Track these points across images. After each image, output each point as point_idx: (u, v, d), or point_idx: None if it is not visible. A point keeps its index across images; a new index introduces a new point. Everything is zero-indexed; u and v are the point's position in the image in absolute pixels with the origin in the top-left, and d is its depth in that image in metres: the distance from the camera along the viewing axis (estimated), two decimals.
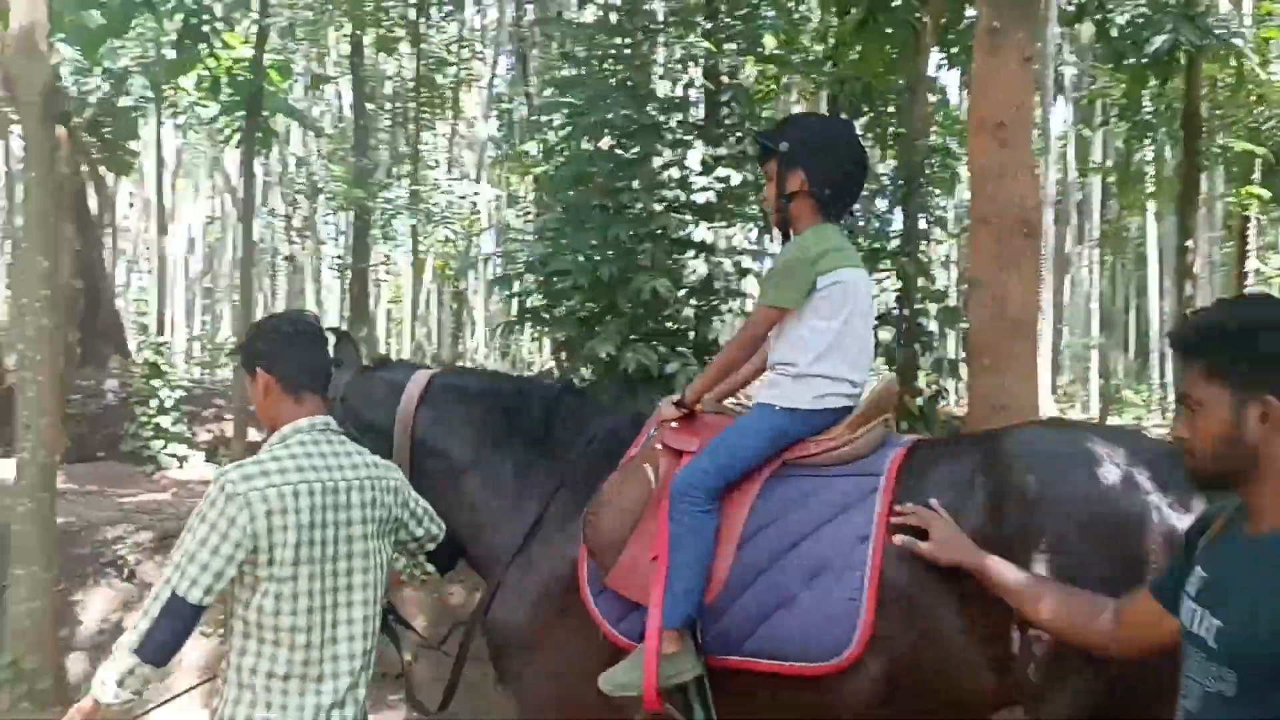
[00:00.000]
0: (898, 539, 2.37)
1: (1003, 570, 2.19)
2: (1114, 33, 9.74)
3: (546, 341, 9.66)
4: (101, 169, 14.01)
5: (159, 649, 2.16)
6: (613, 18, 7.87)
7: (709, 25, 8.12)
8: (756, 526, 2.53)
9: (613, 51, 7.68)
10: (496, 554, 2.82)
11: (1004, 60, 4.66)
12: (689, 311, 6.90)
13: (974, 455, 2.49)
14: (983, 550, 2.25)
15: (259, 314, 12.51)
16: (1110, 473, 2.30)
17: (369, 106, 16.32)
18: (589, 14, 9.19)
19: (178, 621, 2.17)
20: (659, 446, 2.68)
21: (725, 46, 8.14)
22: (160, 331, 16.42)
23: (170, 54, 10.57)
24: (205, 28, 7.44)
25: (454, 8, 14.79)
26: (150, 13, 8.39)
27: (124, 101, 13.59)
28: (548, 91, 10.73)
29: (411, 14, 14.38)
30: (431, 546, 2.69)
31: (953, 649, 2.34)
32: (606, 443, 2.83)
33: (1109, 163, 21.20)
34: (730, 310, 7.33)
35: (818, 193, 2.69)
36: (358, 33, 15.20)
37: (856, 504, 2.47)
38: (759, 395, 2.72)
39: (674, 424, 2.71)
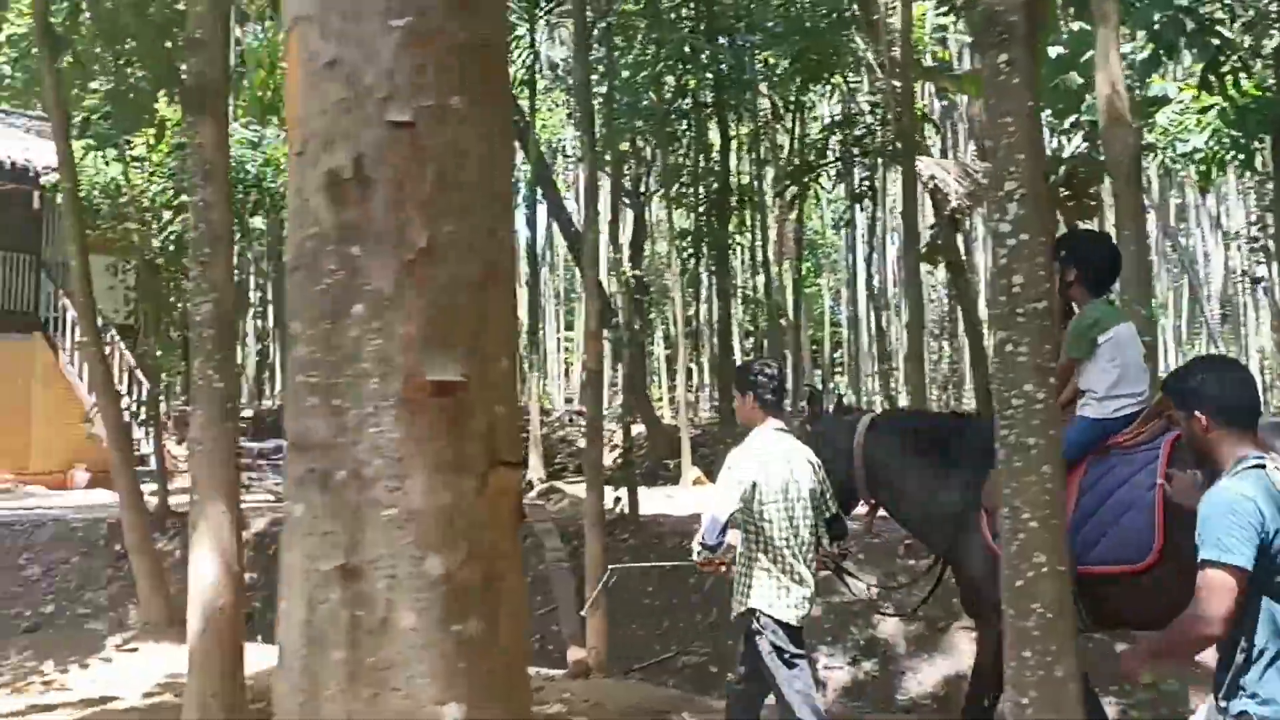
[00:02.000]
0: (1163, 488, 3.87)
1: None
2: None
3: None
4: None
5: (710, 535, 4.40)
6: None
7: None
8: (1086, 488, 4.03)
9: None
10: (937, 523, 4.62)
11: None
12: None
13: None
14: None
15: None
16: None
17: None
18: None
19: (716, 528, 4.39)
20: None
21: None
22: None
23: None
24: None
25: None
26: (1174, 58, 8.73)
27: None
28: None
29: None
30: (828, 515, 4.61)
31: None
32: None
33: None
34: None
35: (1088, 283, 4.33)
36: None
37: (1145, 468, 3.96)
38: (1078, 411, 4.26)
39: None
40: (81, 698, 7.18)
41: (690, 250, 18.38)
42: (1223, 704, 2.94)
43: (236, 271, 25.03)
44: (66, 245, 8.99)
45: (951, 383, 24.25)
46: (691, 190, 18.55)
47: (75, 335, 17.55)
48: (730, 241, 17.84)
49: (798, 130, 17.91)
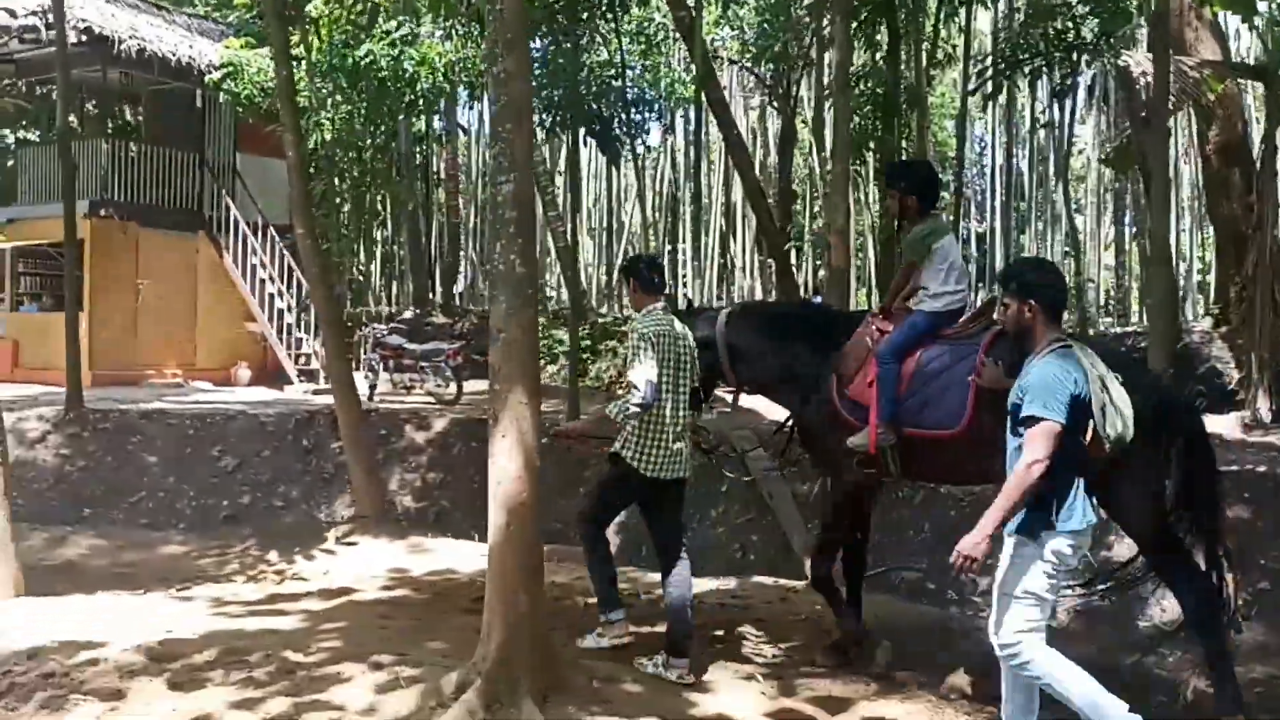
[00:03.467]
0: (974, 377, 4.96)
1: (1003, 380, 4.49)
2: None
3: None
4: None
5: (650, 395, 4.97)
6: None
7: None
8: (919, 369, 5.16)
9: None
10: (794, 388, 5.68)
11: None
12: None
13: None
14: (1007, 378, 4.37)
15: None
16: None
17: None
18: None
19: (653, 389, 4.99)
20: (874, 328, 5.41)
21: None
22: None
23: None
24: None
25: None
26: None
27: None
28: None
29: None
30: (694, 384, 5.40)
31: (1001, 426, 4.23)
32: (847, 329, 5.54)
33: None
34: None
35: (921, 203, 5.48)
36: None
37: (967, 358, 5.02)
38: (916, 306, 5.42)
39: (880, 318, 5.49)
40: (320, 588, 7.18)
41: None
42: (1031, 535, 3.94)
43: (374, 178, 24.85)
44: (285, 135, 8.74)
45: (1114, 300, 23.01)
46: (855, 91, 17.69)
47: (238, 233, 17.72)
48: (898, 146, 17.01)
49: (986, 25, 16.75)
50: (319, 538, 8.57)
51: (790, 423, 5.88)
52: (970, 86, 15.22)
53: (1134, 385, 4.15)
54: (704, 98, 16.17)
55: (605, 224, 27.98)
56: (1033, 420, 3.78)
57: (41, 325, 16.93)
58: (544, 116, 14.90)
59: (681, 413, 5.22)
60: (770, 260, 18.45)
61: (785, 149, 22.07)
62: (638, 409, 4.96)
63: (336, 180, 18.88)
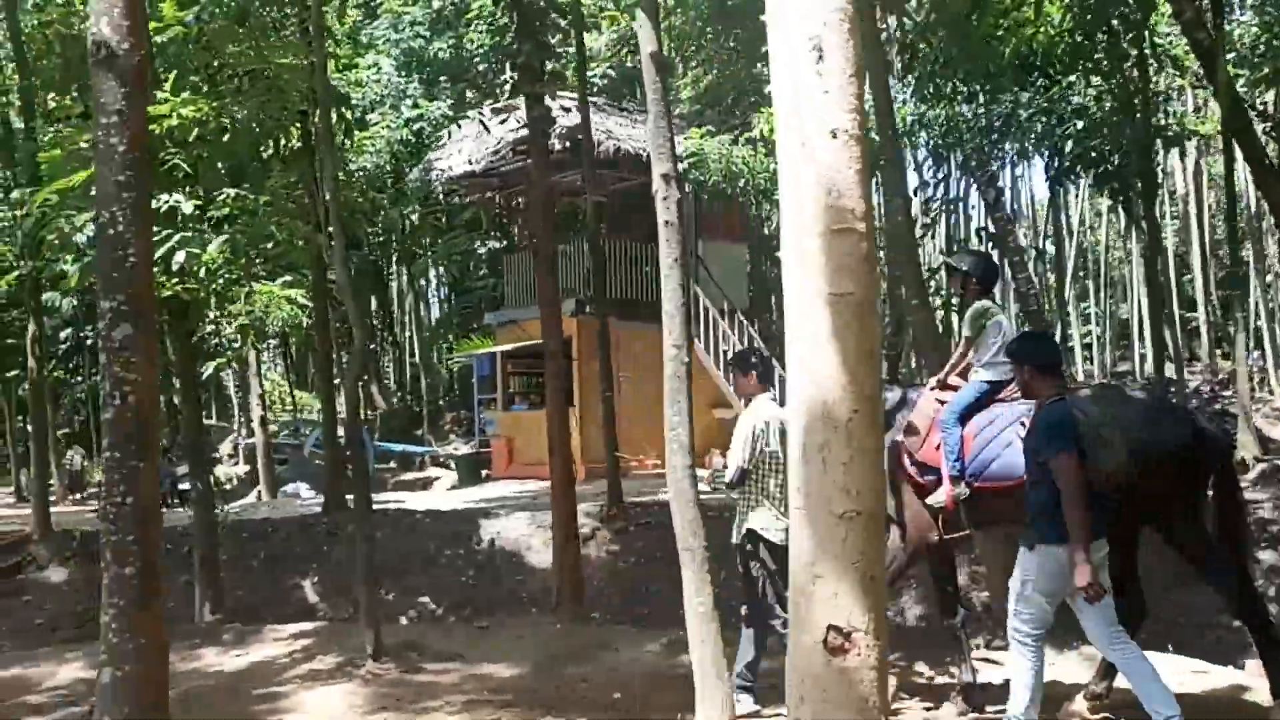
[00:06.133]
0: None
1: None
2: None
3: None
4: None
5: (736, 479, 6.16)
6: None
7: None
8: (979, 429, 5.88)
9: None
10: None
11: None
12: None
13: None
14: None
15: None
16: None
17: None
18: None
19: (740, 474, 6.13)
20: (934, 400, 6.24)
21: None
22: None
23: None
24: None
25: None
26: None
27: None
28: None
29: None
30: None
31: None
32: (910, 400, 6.38)
33: None
34: None
35: (981, 288, 6.33)
36: None
37: (1022, 416, 5.58)
38: (973, 376, 6.19)
39: (939, 389, 6.33)
40: None
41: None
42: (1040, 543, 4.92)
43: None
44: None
45: None
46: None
47: (706, 319, 17.62)
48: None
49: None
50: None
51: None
52: None
53: (1168, 420, 5.69)
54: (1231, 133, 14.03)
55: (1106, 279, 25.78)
56: (1060, 453, 4.70)
57: (531, 422, 17.54)
58: (1050, 161, 13.46)
59: (781, 490, 5.93)
60: None
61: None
62: (724, 485, 6.24)
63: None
